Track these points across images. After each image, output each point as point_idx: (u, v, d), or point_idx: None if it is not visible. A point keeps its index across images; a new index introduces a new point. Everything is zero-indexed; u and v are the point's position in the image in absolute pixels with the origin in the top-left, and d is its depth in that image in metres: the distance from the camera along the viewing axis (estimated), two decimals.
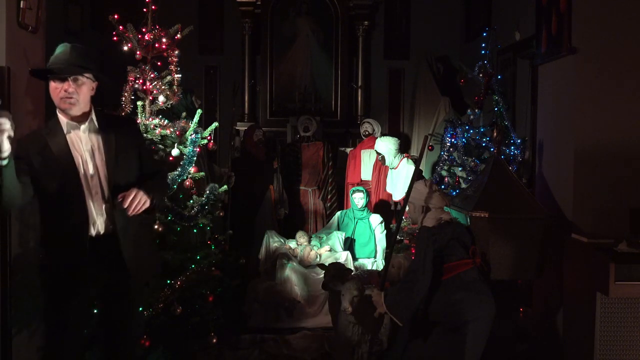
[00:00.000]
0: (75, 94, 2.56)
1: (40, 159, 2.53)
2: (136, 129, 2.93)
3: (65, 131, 2.61)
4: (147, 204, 2.57)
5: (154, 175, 2.80)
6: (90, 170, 2.61)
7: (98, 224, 2.62)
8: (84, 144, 2.63)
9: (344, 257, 5.16)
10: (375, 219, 5.69)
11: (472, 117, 5.34)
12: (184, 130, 3.87)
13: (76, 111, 2.61)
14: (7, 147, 2.20)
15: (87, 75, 2.61)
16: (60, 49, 2.64)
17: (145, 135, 3.71)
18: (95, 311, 2.93)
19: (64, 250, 2.59)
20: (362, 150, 6.46)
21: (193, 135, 3.83)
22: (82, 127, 2.64)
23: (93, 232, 2.61)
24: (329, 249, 5.33)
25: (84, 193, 2.58)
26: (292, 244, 5.38)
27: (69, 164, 2.56)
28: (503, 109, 5.07)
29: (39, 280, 2.69)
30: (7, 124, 2.16)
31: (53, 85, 2.58)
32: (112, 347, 2.80)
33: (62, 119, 2.63)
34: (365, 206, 5.75)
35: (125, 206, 2.51)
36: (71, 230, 2.57)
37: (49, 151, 2.55)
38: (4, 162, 2.24)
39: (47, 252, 2.64)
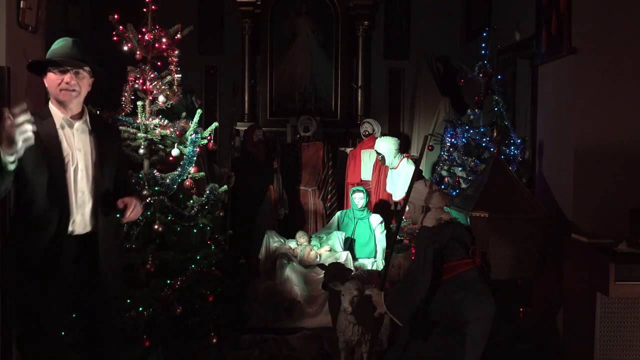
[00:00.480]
0: (76, 86, 2.58)
1: (31, 149, 2.47)
2: (119, 138, 3.02)
3: (58, 125, 2.60)
4: (139, 214, 2.73)
5: (126, 187, 2.89)
6: (79, 168, 2.61)
7: (76, 222, 2.61)
8: (76, 142, 2.63)
9: (344, 257, 5.16)
10: (375, 219, 5.69)
11: (472, 117, 5.34)
12: (184, 130, 3.87)
13: (74, 104, 2.61)
14: (21, 153, 2.24)
15: (86, 69, 2.63)
16: (60, 42, 2.65)
17: (145, 135, 3.71)
18: (73, 313, 2.89)
19: (40, 244, 2.54)
20: (362, 150, 6.46)
21: (193, 135, 3.83)
22: (76, 124, 2.64)
23: (69, 229, 2.60)
24: (329, 249, 5.33)
25: (68, 189, 2.57)
26: (292, 244, 5.38)
27: (58, 157, 2.56)
28: (503, 109, 5.07)
29: (11, 277, 2.65)
30: (30, 133, 2.20)
31: (53, 77, 2.58)
32: (90, 351, 2.79)
33: (57, 113, 2.62)
34: (365, 206, 5.75)
35: (129, 214, 2.63)
36: (51, 224, 2.54)
37: (38, 140, 2.50)
38: (12, 168, 2.27)
39: (22, 246, 2.59)
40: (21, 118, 2.17)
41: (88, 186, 2.64)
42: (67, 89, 2.57)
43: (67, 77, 2.57)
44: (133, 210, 2.64)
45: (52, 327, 2.63)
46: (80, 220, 2.62)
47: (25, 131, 2.19)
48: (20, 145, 2.22)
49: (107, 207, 2.70)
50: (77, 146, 2.63)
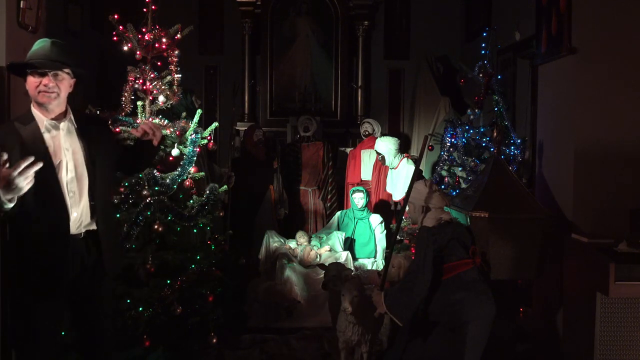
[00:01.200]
0: (55, 88, 2.55)
1: (16, 156, 2.45)
2: (108, 129, 2.98)
3: (42, 129, 2.57)
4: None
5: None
6: (69, 169, 2.59)
7: (70, 223, 2.58)
8: (63, 143, 2.60)
9: (344, 257, 5.16)
10: (375, 219, 5.69)
11: (472, 117, 5.34)
12: (184, 130, 3.87)
13: (55, 106, 2.58)
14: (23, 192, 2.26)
15: (66, 71, 2.60)
16: (39, 44, 2.63)
17: None
18: (69, 313, 2.84)
19: (43, 251, 2.54)
20: (362, 150, 6.46)
21: (193, 135, 3.83)
22: (62, 125, 2.61)
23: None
24: (329, 249, 5.33)
25: (63, 194, 2.56)
26: (292, 244, 5.38)
27: (48, 165, 2.52)
28: (503, 109, 5.07)
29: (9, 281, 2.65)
30: (32, 178, 2.22)
31: (32, 79, 2.55)
32: (86, 350, 2.78)
33: (40, 117, 2.59)
34: (365, 206, 5.75)
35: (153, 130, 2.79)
36: (51, 230, 2.53)
37: (25, 149, 2.49)
38: (9, 206, 2.29)
39: (24, 253, 2.58)
40: (24, 164, 2.18)
41: (79, 186, 2.61)
42: (46, 91, 2.54)
43: (45, 79, 2.54)
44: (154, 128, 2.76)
45: (50, 328, 2.62)
46: (74, 220, 2.59)
47: (28, 177, 2.20)
48: (24, 190, 2.24)
49: (102, 206, 2.68)
50: (65, 146, 2.60)
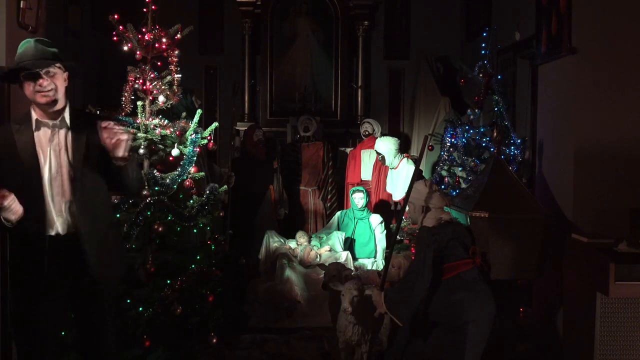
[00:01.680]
0: (51, 85, 2.54)
1: (5, 155, 2.52)
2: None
3: (33, 128, 2.57)
4: (126, 142, 2.52)
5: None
6: (54, 170, 2.57)
7: (57, 225, 2.58)
8: (52, 143, 2.59)
9: (344, 257, 5.16)
10: (375, 219, 5.69)
11: (472, 117, 5.34)
12: (184, 130, 3.87)
13: (54, 105, 2.57)
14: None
15: (57, 65, 2.58)
16: (24, 45, 2.62)
17: (145, 135, 3.71)
18: (71, 314, 2.83)
19: (22, 249, 2.58)
20: (362, 150, 6.46)
21: (193, 135, 3.83)
22: (51, 124, 2.60)
23: (52, 232, 2.57)
24: (329, 249, 5.33)
25: (44, 194, 2.55)
26: (292, 244, 5.38)
27: (33, 164, 2.53)
28: (503, 109, 5.07)
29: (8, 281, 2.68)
30: (20, 209, 2.32)
31: (27, 83, 2.54)
32: (88, 351, 2.77)
33: (33, 116, 2.59)
34: (365, 206, 5.75)
35: (108, 130, 2.48)
36: (29, 230, 2.54)
37: (14, 148, 2.52)
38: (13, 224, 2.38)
39: (14, 252, 2.62)
40: (6, 202, 2.27)
41: (64, 186, 2.59)
42: (42, 91, 2.52)
43: (40, 80, 2.52)
44: (113, 128, 2.47)
45: (46, 328, 2.62)
46: (62, 221, 2.59)
47: (13, 210, 2.30)
48: (15, 221, 2.36)
49: (91, 203, 2.64)
50: (53, 146, 2.59)
